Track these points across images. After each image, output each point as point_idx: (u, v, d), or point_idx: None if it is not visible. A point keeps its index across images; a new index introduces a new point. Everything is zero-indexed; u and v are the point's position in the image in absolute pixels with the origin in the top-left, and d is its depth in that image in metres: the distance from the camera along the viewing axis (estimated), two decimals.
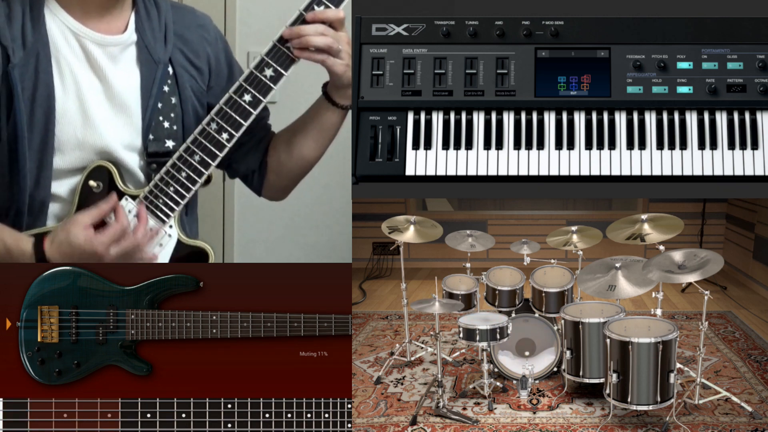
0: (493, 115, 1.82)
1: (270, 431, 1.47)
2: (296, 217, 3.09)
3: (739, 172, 1.76)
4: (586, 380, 2.77)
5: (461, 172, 1.79)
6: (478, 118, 1.82)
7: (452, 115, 1.82)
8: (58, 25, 1.52)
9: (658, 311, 2.75)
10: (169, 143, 1.61)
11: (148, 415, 1.46)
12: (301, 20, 1.54)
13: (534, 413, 2.71)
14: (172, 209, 1.57)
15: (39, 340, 1.44)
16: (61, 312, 1.45)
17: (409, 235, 3.28)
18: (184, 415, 1.46)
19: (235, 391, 1.47)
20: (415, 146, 1.81)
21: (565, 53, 1.82)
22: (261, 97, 1.56)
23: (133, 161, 1.59)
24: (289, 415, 1.47)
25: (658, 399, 2.47)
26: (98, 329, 1.46)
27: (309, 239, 3.12)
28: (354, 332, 3.87)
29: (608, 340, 2.52)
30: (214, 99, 1.70)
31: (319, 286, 1.49)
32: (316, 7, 1.54)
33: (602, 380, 2.69)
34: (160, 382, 1.46)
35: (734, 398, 2.72)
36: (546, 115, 1.81)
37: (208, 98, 1.71)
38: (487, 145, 1.80)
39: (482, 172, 1.78)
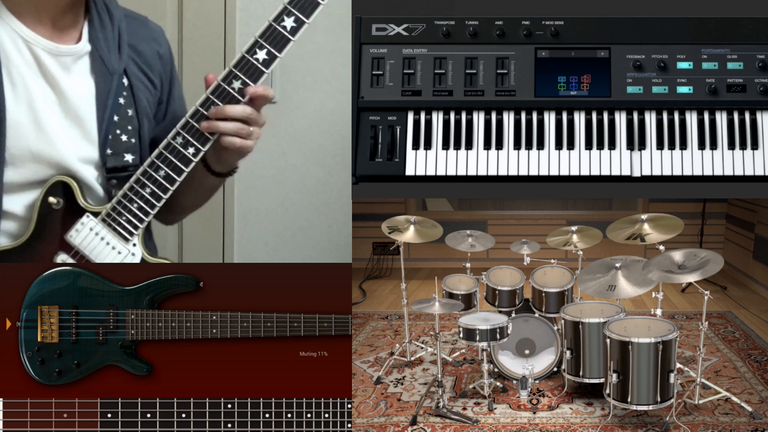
0: (493, 115, 1.82)
1: (270, 431, 1.47)
2: (296, 217, 3.09)
3: (739, 172, 1.76)
4: (586, 380, 2.77)
5: (461, 172, 1.79)
6: (478, 118, 1.82)
7: (452, 115, 1.82)
8: (9, 32, 1.44)
9: (658, 311, 2.75)
10: (128, 157, 1.55)
11: (148, 415, 1.46)
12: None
13: (534, 413, 2.71)
14: (136, 227, 1.50)
15: (39, 340, 1.44)
16: (61, 312, 1.45)
17: (409, 235, 3.29)
18: (184, 415, 1.46)
19: (235, 391, 1.47)
20: (415, 146, 1.81)
21: (565, 53, 1.82)
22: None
23: (91, 175, 1.52)
24: (289, 415, 1.47)
25: (658, 399, 2.47)
26: (98, 329, 1.46)
27: (309, 239, 3.12)
28: (354, 332, 3.87)
29: (608, 340, 2.52)
30: (156, 115, 1.66)
31: (319, 286, 1.49)
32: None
33: (602, 380, 2.69)
34: (160, 382, 1.46)
35: (734, 398, 2.72)
36: (546, 115, 1.81)
37: (157, 112, 1.66)
38: (487, 145, 1.80)
39: (482, 172, 1.79)
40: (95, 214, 1.50)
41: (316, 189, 3.09)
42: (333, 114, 3.01)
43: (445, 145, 1.80)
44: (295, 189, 3.05)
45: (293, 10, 1.46)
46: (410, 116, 1.83)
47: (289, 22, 1.47)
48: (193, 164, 1.50)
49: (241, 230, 3.05)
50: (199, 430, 1.46)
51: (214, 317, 1.47)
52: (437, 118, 1.82)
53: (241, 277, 1.48)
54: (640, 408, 2.51)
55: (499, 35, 1.83)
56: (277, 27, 1.47)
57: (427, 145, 1.80)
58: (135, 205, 1.50)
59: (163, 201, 1.51)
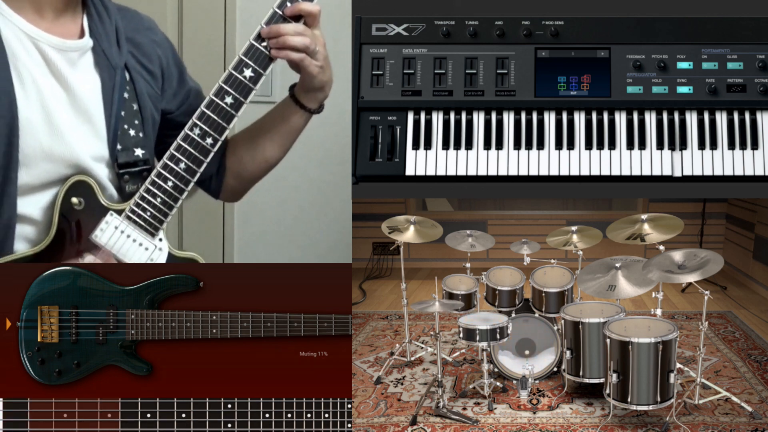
0: (493, 115, 1.82)
1: (270, 431, 1.47)
2: (296, 217, 3.09)
3: (739, 172, 1.76)
4: (586, 380, 2.77)
5: (461, 172, 1.79)
6: (478, 118, 1.82)
7: (452, 115, 1.82)
8: (13, 30, 1.40)
9: (658, 311, 2.75)
10: (138, 151, 1.54)
11: (148, 415, 1.46)
12: (276, 18, 1.51)
13: (534, 413, 2.71)
14: (160, 221, 1.50)
15: (39, 340, 1.44)
16: (61, 312, 1.45)
17: (409, 235, 3.29)
18: (184, 415, 1.46)
19: (235, 391, 1.47)
20: (415, 146, 1.81)
21: (565, 53, 1.82)
22: (242, 99, 1.50)
23: (102, 173, 1.50)
24: (289, 415, 1.47)
25: (658, 399, 2.47)
26: (98, 329, 1.46)
27: (309, 239, 3.12)
28: (354, 332, 3.87)
29: (608, 340, 2.52)
30: (166, 103, 1.65)
31: (319, 286, 1.49)
32: (289, 4, 1.50)
33: (602, 380, 2.69)
34: (160, 382, 1.46)
35: (734, 398, 2.72)
36: (546, 115, 1.81)
37: (162, 103, 1.64)
38: (487, 145, 1.80)
39: (482, 172, 1.79)
40: (119, 212, 1.49)
41: (316, 189, 3.09)
42: (333, 114, 3.00)
43: (445, 145, 1.80)
44: (295, 189, 3.05)
45: None
46: (410, 116, 1.83)
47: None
48: (212, 154, 1.51)
49: (241, 230, 3.05)
50: (199, 430, 1.46)
51: (214, 317, 1.47)
52: (437, 118, 1.82)
53: (241, 277, 1.48)
54: (640, 408, 2.52)
55: (499, 35, 1.83)
56: (279, 11, 1.50)
57: (427, 145, 1.80)
58: (158, 199, 1.49)
59: (185, 193, 1.51)
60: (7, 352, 1.45)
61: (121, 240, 1.49)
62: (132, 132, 1.53)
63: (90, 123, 1.48)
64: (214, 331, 1.47)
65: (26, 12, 1.43)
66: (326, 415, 1.48)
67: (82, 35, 1.50)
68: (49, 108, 1.42)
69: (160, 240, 1.52)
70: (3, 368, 1.45)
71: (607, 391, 2.56)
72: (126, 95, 1.53)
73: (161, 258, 1.53)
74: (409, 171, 1.79)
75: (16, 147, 1.38)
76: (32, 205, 1.44)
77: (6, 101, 1.36)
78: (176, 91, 1.67)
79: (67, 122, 1.44)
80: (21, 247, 1.45)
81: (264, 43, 1.50)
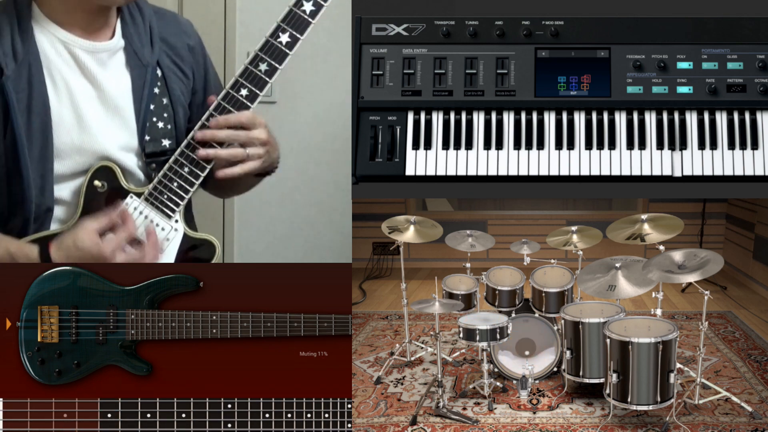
0: (493, 115, 1.82)
1: (270, 431, 1.47)
2: (296, 217, 3.10)
3: (739, 172, 1.76)
4: (586, 380, 2.77)
5: (461, 172, 1.79)
6: (478, 118, 1.82)
7: (452, 115, 1.82)
8: (47, 36, 1.54)
9: (658, 311, 2.75)
10: (166, 142, 1.65)
11: (148, 415, 1.46)
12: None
13: (534, 413, 2.71)
14: (177, 204, 1.60)
15: (39, 340, 1.45)
16: (61, 312, 1.45)
17: (409, 235, 3.29)
18: (184, 415, 1.46)
19: (235, 391, 1.47)
20: (415, 146, 1.81)
21: (565, 53, 1.82)
22: (257, 91, 1.59)
23: (131, 162, 1.62)
24: (289, 415, 1.47)
25: (658, 399, 2.47)
26: (98, 329, 1.46)
27: (309, 239, 3.12)
28: (354, 332, 3.87)
29: (608, 340, 2.52)
30: (193, 103, 1.76)
31: (319, 286, 1.49)
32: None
33: (602, 380, 2.69)
34: (160, 382, 1.46)
35: (734, 398, 2.72)
36: (546, 115, 1.81)
37: (194, 100, 1.76)
38: (487, 145, 1.80)
39: (482, 172, 1.79)
40: (138, 195, 1.59)
41: (316, 189, 3.09)
42: (333, 114, 3.01)
43: (445, 145, 1.81)
44: (295, 189, 3.05)
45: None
46: (410, 116, 1.83)
47: (307, 6, 1.56)
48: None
49: (241, 230, 3.05)
50: (199, 430, 1.46)
51: (214, 317, 1.47)
52: (437, 118, 1.82)
53: (241, 277, 1.48)
54: (640, 408, 2.52)
55: (499, 35, 1.83)
56: (288, 23, 1.57)
57: (427, 145, 1.80)
58: (175, 183, 1.59)
59: (201, 179, 1.60)
60: (7, 352, 1.45)
61: (140, 220, 1.58)
62: (160, 124, 1.65)
63: (120, 116, 1.60)
64: (214, 331, 1.47)
65: (60, 19, 1.56)
66: (326, 415, 1.48)
67: (112, 37, 1.62)
68: (80, 106, 1.55)
69: (176, 221, 1.61)
70: (3, 368, 1.45)
71: (607, 391, 2.56)
72: (156, 90, 1.65)
73: (177, 238, 1.62)
74: (409, 171, 1.79)
75: (51, 142, 1.52)
76: (64, 191, 1.57)
77: (40, 101, 1.51)
78: (203, 93, 1.78)
79: (96, 118, 1.57)
80: (55, 226, 1.57)
81: (279, 39, 1.56)
